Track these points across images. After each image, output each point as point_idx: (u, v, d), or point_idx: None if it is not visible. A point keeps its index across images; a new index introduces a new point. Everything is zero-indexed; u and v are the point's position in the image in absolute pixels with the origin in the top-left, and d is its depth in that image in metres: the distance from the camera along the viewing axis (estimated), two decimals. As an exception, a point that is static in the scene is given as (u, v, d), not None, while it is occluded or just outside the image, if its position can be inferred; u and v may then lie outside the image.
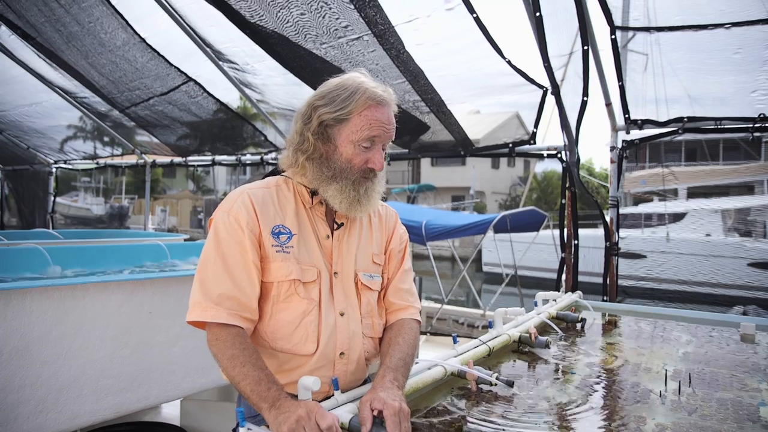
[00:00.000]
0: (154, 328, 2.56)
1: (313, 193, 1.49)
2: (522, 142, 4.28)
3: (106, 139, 7.23)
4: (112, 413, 2.39)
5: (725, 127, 3.58)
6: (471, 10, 3.34)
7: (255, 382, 1.25)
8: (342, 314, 1.48)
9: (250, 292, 1.40)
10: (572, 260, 3.96)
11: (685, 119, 3.66)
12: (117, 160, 7.44)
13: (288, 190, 1.51)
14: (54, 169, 7.99)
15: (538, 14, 3.20)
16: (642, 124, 3.84)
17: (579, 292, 3.05)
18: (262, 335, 1.45)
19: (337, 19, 3.52)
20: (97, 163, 7.56)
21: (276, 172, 1.58)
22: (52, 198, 8.07)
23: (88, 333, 2.30)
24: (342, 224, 1.54)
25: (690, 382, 1.71)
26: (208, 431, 3.14)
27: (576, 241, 3.96)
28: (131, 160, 7.24)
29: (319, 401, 1.29)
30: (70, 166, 7.93)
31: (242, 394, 1.28)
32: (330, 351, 1.45)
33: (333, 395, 1.34)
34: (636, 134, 3.94)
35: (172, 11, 4.26)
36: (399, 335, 1.51)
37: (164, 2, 4.20)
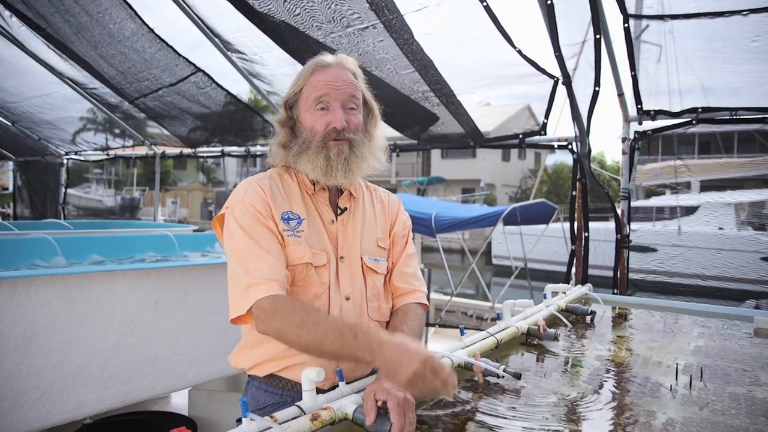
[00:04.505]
0: (160, 317, 2.56)
1: (315, 181, 1.50)
2: (532, 133, 4.22)
3: (117, 130, 7.25)
4: (118, 402, 2.40)
5: (740, 117, 3.51)
6: (481, -2, 3.28)
7: (339, 335, 1.20)
8: (348, 298, 1.48)
9: (284, 270, 1.38)
10: (582, 253, 3.91)
11: (700, 110, 3.59)
12: (128, 152, 7.47)
13: (291, 179, 1.53)
14: (65, 161, 8.03)
15: (549, 2, 3.14)
16: (655, 114, 3.77)
17: (589, 285, 3.01)
18: None
19: (345, 7, 3.48)
20: (108, 155, 7.59)
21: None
22: (64, 189, 8.12)
23: (93, 322, 2.31)
24: (345, 209, 1.54)
25: (702, 376, 1.68)
26: (215, 421, 3.15)
27: (586, 234, 3.91)
28: (142, 151, 7.27)
29: (324, 391, 1.28)
30: (81, 158, 7.97)
31: (330, 356, 1.25)
32: None
33: (338, 386, 1.33)
34: (648, 125, 3.87)
35: (180, 1, 4.24)
36: (404, 323, 1.50)
37: (172, -8, 4.18)
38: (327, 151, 1.43)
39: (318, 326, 1.22)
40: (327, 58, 1.49)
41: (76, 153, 7.86)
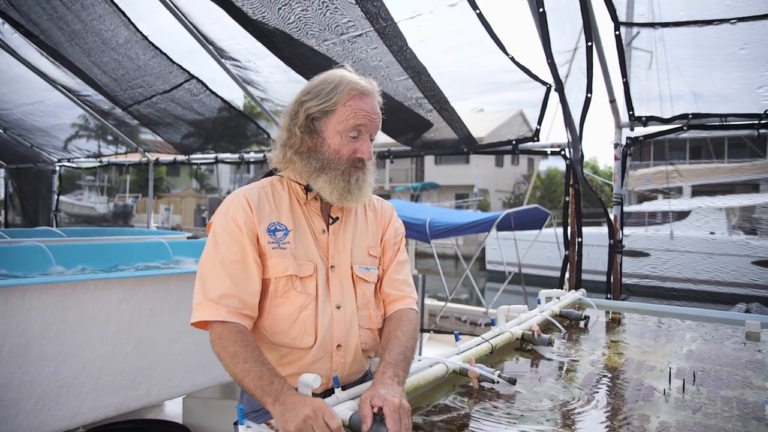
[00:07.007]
0: (155, 325, 2.55)
1: (308, 190, 1.52)
2: (525, 139, 4.24)
3: (109, 137, 7.23)
4: (113, 411, 2.39)
5: (730, 123, 3.55)
6: (474, 6, 3.31)
7: (257, 377, 1.25)
8: (338, 307, 1.49)
9: (250, 289, 1.41)
10: (576, 258, 3.93)
11: (690, 116, 3.63)
12: (121, 159, 7.44)
13: (282, 188, 1.54)
14: (58, 168, 7.99)
15: (541, 10, 3.17)
16: (646, 120, 3.81)
17: (582, 290, 3.03)
18: (261, 330, 1.46)
19: (339, 15, 3.50)
20: (100, 161, 7.56)
21: (272, 173, 1.60)
22: (56, 196, 8.07)
23: (88, 330, 2.30)
24: (337, 218, 1.56)
25: (694, 380, 1.69)
26: (210, 429, 3.13)
27: (580, 239, 3.94)
28: (135, 158, 7.24)
29: (317, 396, 1.28)
30: (74, 165, 7.93)
31: (246, 390, 1.29)
32: (327, 343, 1.47)
33: (333, 391, 1.33)
34: (640, 131, 3.91)
35: (174, 8, 4.25)
36: (398, 329, 1.51)
37: (166, -1, 4.18)
38: (348, 177, 1.47)
39: (246, 363, 1.29)
40: (363, 83, 1.48)
41: (68, 160, 7.83)
